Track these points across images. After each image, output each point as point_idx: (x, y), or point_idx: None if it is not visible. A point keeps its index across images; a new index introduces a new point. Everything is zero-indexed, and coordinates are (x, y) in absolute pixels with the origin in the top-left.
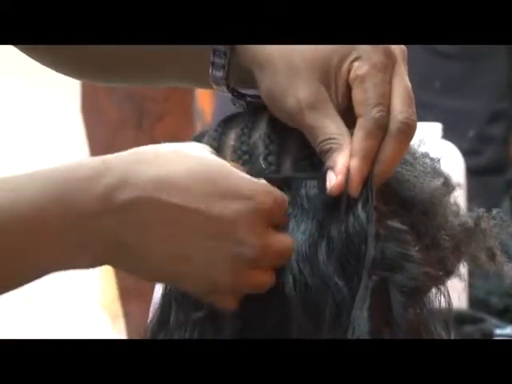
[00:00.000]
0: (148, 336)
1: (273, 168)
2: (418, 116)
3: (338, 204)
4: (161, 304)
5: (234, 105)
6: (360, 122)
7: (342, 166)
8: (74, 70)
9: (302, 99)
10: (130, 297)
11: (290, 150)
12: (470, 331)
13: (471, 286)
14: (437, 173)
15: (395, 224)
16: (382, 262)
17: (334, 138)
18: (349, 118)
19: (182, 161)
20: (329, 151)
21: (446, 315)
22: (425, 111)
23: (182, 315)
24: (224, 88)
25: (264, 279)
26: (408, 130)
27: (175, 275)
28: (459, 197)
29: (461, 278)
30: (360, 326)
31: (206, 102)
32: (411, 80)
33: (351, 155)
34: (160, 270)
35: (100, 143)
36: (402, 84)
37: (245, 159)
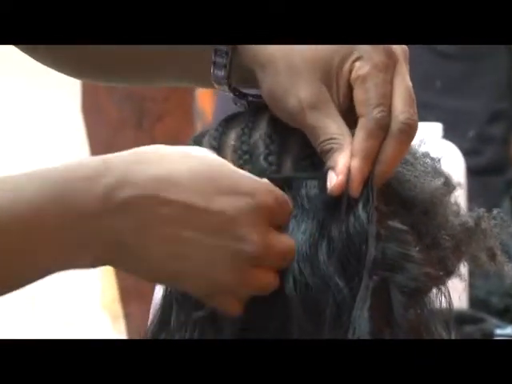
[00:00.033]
0: (149, 337)
1: (273, 168)
2: (418, 116)
3: (338, 204)
4: (161, 305)
5: (236, 104)
6: (361, 122)
7: (343, 166)
8: (75, 69)
9: (303, 99)
10: (131, 298)
11: (290, 150)
12: (471, 331)
13: (472, 286)
14: (437, 173)
15: (396, 224)
16: (382, 263)
17: (335, 138)
18: (350, 118)
19: (184, 160)
20: (330, 151)
21: (447, 315)
22: (425, 111)
23: (182, 316)
24: (225, 87)
25: (267, 279)
26: (409, 131)
27: (175, 275)
28: (459, 197)
29: (461, 278)
30: (361, 326)
31: (207, 102)
32: (412, 80)
33: (352, 155)
34: (160, 269)
35: (100, 143)
36: (403, 84)
37: (245, 159)
